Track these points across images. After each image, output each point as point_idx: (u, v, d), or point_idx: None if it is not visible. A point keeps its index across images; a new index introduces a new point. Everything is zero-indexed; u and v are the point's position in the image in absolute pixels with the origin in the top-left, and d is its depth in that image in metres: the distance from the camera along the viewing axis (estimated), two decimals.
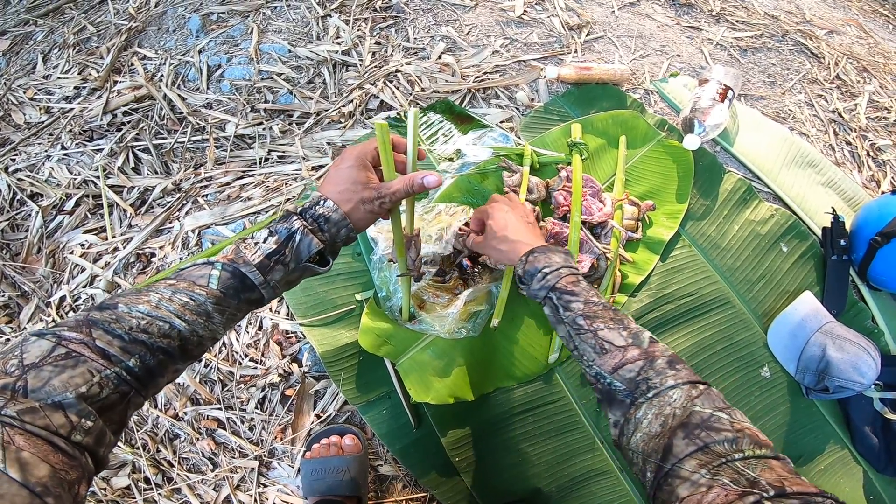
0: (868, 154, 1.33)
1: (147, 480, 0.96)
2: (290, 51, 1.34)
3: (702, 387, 0.52)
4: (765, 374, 1.01)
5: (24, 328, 1.10)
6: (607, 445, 0.95)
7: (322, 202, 0.59)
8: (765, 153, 1.22)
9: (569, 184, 1.03)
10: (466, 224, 0.96)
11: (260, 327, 1.04)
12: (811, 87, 1.43)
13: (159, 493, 0.95)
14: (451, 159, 1.12)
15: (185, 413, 0.99)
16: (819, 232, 1.12)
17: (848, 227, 1.10)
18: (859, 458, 0.98)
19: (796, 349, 0.99)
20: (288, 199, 1.13)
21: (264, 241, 0.56)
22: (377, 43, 1.35)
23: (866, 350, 0.94)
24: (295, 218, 0.57)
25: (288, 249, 0.56)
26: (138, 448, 0.97)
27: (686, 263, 1.07)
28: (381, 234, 0.99)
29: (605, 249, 0.99)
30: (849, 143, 1.33)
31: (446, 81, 1.26)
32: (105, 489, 0.95)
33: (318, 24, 1.38)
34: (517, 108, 1.24)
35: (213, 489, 0.95)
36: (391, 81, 1.27)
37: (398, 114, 1.20)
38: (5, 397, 0.39)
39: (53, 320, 1.08)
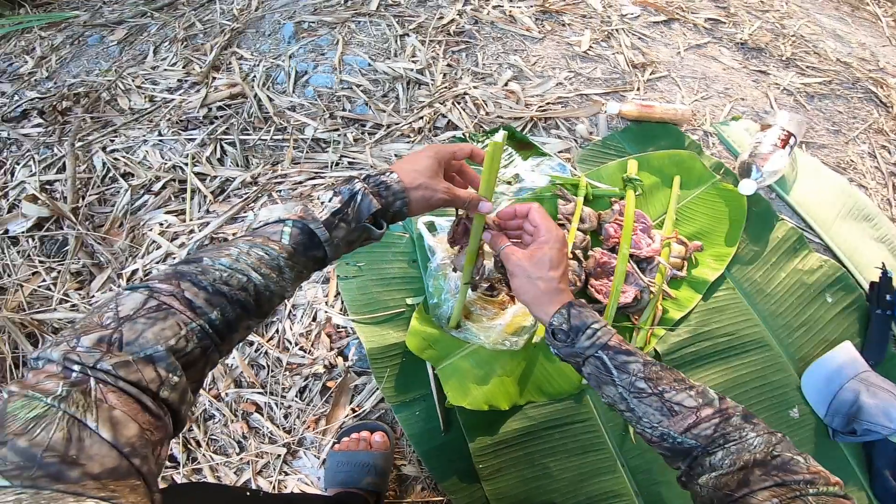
0: None
1: (172, 458, 0.98)
2: (369, 64, 1.44)
3: (779, 435, 0.54)
4: (793, 415, 1.02)
5: (94, 296, 1.15)
6: (628, 469, 0.98)
7: (388, 173, 0.63)
8: (820, 203, 1.23)
9: (620, 217, 1.08)
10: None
11: (314, 318, 1.09)
12: (876, 137, 1.41)
13: (180, 472, 0.97)
14: (509, 182, 1.19)
15: (227, 394, 1.03)
16: (866, 285, 1.12)
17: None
18: (875, 500, 0.98)
19: (829, 393, 1.00)
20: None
21: (329, 201, 0.59)
22: (448, 65, 1.43)
23: None
24: (357, 181, 0.61)
25: (350, 209, 0.59)
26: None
27: (728, 304, 1.10)
28: (439, 244, 1.07)
29: (649, 283, 1.03)
30: None
31: (510, 108, 1.33)
32: None
33: (396, 41, 1.48)
34: (576, 140, 1.29)
35: (235, 472, 0.98)
36: (459, 103, 1.35)
37: (463, 134, 1.28)
38: (101, 350, 0.39)
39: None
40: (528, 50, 1.45)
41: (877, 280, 1.09)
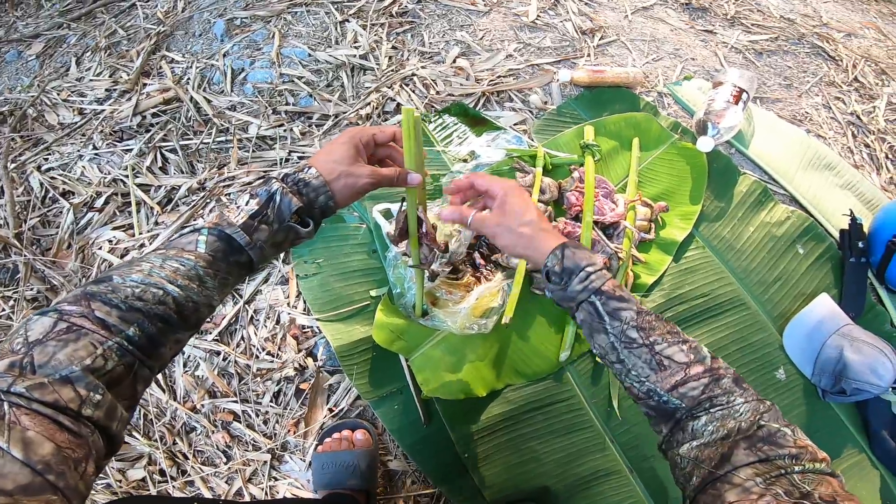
0: (887, 157, 1.31)
1: (162, 473, 0.97)
2: (309, 55, 1.38)
3: (768, 403, 0.52)
4: (780, 377, 1.01)
5: None
6: (618, 445, 0.95)
7: (306, 169, 0.61)
8: (781, 155, 1.22)
9: (581, 184, 1.05)
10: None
11: (278, 321, 1.06)
12: (828, 89, 1.42)
13: (173, 486, 0.97)
14: (465, 160, 1.14)
15: (203, 406, 1.01)
16: (836, 234, 1.11)
17: (866, 229, 1.09)
18: (877, 462, 0.97)
19: (813, 351, 0.98)
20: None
21: (246, 204, 0.58)
22: (393, 47, 1.38)
23: (884, 353, 0.93)
24: (274, 181, 0.60)
25: (270, 210, 0.58)
26: (155, 440, 1.00)
27: (700, 264, 1.08)
28: (395, 221, 1.01)
29: (617, 249, 1.00)
30: (867, 146, 1.32)
31: (461, 85, 1.29)
32: (121, 481, 0.97)
33: (336, 28, 1.42)
34: (530, 111, 1.26)
35: (226, 482, 0.97)
36: (407, 85, 1.30)
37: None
38: (13, 374, 0.40)
39: None
40: (475, 24, 1.41)
41: (846, 228, 1.09)
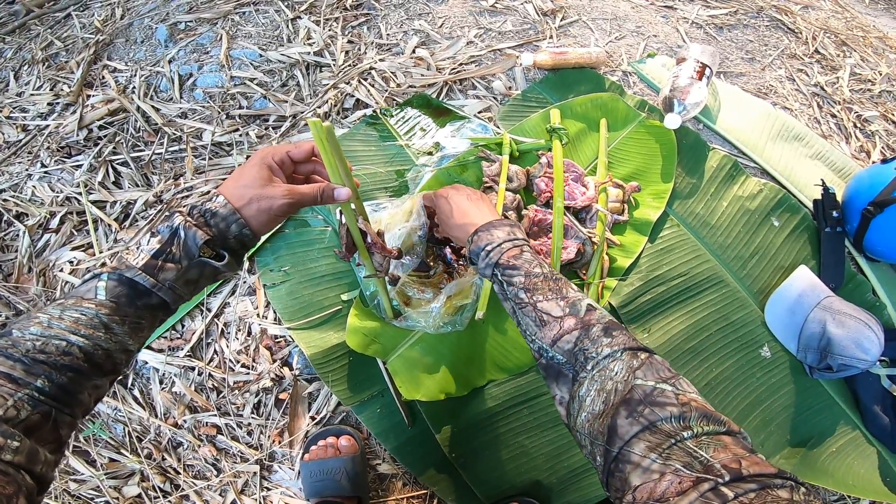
0: (855, 126, 1.32)
1: (157, 488, 0.97)
2: (261, 55, 1.32)
3: (643, 355, 0.49)
4: (765, 354, 0.99)
5: None
6: None
7: (213, 198, 0.58)
8: (749, 129, 1.21)
9: (550, 170, 1.02)
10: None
11: (249, 333, 1.03)
12: (791, 62, 1.42)
13: (169, 501, 0.96)
14: (430, 153, 1.11)
15: (185, 421, 0.99)
16: (810, 205, 1.10)
17: (839, 198, 1.08)
18: (872, 439, 0.96)
19: (795, 326, 0.97)
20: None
21: (147, 244, 0.55)
22: (349, 42, 1.33)
23: (868, 325, 0.91)
24: (176, 214, 0.56)
25: (175, 247, 0.54)
26: (144, 457, 0.98)
27: (676, 243, 1.06)
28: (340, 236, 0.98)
29: (590, 234, 0.97)
30: (834, 116, 1.32)
31: (422, 75, 1.25)
32: (118, 498, 0.96)
33: (287, 26, 1.36)
34: (495, 98, 1.22)
35: (220, 494, 0.96)
36: (366, 79, 1.26)
37: (374, 111, 1.19)
38: None
39: None
40: (434, 12, 1.37)
41: (819, 198, 1.08)
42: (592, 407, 0.49)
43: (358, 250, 0.73)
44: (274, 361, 1.01)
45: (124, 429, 1.00)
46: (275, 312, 1.02)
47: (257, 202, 0.57)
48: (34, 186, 1.23)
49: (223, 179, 1.17)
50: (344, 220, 0.70)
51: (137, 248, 0.55)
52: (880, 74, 1.45)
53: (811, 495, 0.36)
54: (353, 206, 0.68)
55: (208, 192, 0.61)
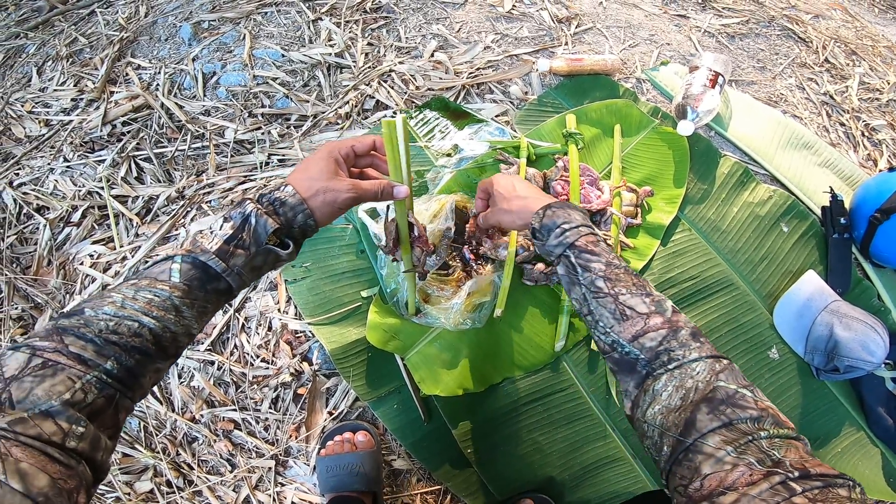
0: (863, 134, 1.34)
1: (169, 484, 0.97)
2: (283, 55, 1.35)
3: (725, 362, 0.51)
4: (773, 356, 1.02)
5: None
6: (619, 432, 0.96)
7: (282, 188, 0.60)
8: (759, 136, 1.24)
9: (566, 173, 1.04)
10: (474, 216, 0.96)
11: (269, 328, 1.05)
12: (801, 70, 1.44)
13: (182, 496, 0.96)
14: (448, 155, 1.13)
15: (202, 416, 1.00)
16: (819, 212, 1.13)
17: (847, 205, 1.10)
18: (876, 440, 0.98)
19: (803, 329, 0.99)
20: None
21: (220, 229, 0.56)
22: (369, 44, 1.36)
23: (874, 328, 0.94)
24: (248, 202, 0.58)
25: (245, 233, 0.56)
26: (158, 452, 0.99)
27: (687, 247, 1.08)
28: (385, 230, 1.00)
29: (605, 236, 1.00)
30: (842, 125, 1.35)
31: (440, 79, 1.27)
32: (129, 493, 0.97)
33: (309, 27, 1.39)
34: (511, 102, 1.25)
35: (233, 490, 0.97)
36: (385, 81, 1.28)
37: (394, 112, 1.21)
38: None
39: None
40: (451, 17, 1.40)
41: (827, 205, 1.10)
42: (669, 401, 0.50)
43: (401, 245, 0.76)
44: (294, 356, 1.02)
45: (139, 423, 1.01)
46: (296, 308, 1.04)
47: (323, 194, 0.60)
48: (56, 180, 1.26)
49: (245, 177, 1.20)
50: (391, 216, 0.72)
51: (211, 234, 0.56)
52: (888, 83, 1.47)
53: (865, 495, 0.38)
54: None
55: (275, 182, 0.62)
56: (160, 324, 0.51)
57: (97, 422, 0.45)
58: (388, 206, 0.72)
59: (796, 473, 0.39)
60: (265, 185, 1.18)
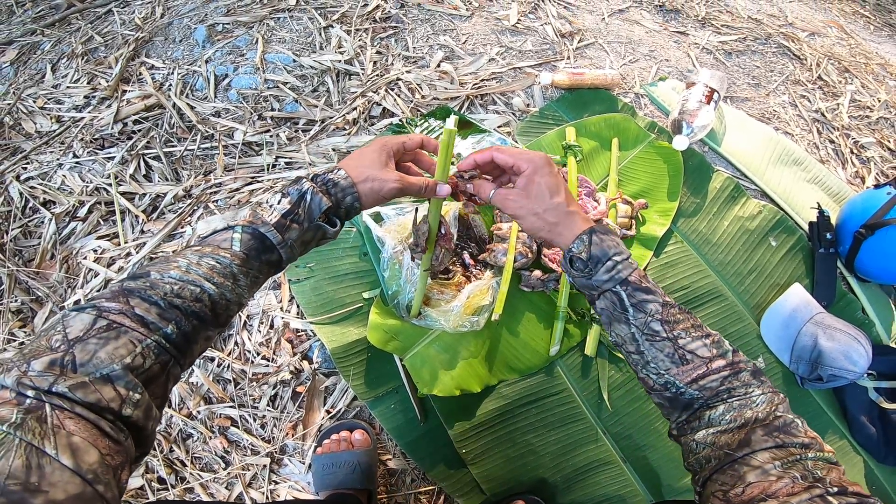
0: (851, 151, 1.38)
1: (161, 480, 0.97)
2: (294, 60, 1.38)
3: (781, 395, 0.54)
4: (760, 365, 1.05)
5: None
6: (610, 436, 0.98)
7: (335, 170, 0.63)
8: (751, 152, 1.28)
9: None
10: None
11: (271, 326, 1.06)
12: (794, 87, 1.49)
13: (172, 493, 0.96)
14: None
15: (199, 412, 1.01)
16: (806, 227, 1.17)
17: (833, 221, 1.15)
18: (859, 448, 1.01)
19: (789, 339, 1.03)
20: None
21: (278, 203, 0.59)
22: (378, 52, 1.40)
23: (857, 339, 0.98)
24: (305, 180, 0.61)
25: (301, 209, 0.59)
26: (152, 448, 0.99)
27: (679, 259, 1.12)
28: (388, 234, 1.04)
29: None
30: (832, 142, 1.39)
31: (445, 88, 1.31)
32: None
33: (320, 34, 1.43)
34: (514, 114, 1.29)
35: (226, 487, 0.97)
36: (392, 89, 1.32)
37: (400, 120, 1.25)
38: (54, 373, 0.39)
39: None
40: (458, 28, 1.44)
41: (815, 220, 1.14)
42: (725, 426, 0.51)
43: (430, 243, 0.79)
44: (294, 354, 1.04)
45: None
46: (298, 307, 1.06)
47: (371, 181, 0.64)
48: (64, 175, 1.27)
49: (252, 178, 1.23)
50: (421, 215, 0.76)
51: (270, 207, 0.59)
52: (879, 101, 1.52)
53: None
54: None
55: (330, 166, 0.63)
56: (219, 290, 0.52)
57: (150, 389, 0.44)
58: (416, 209, 0.75)
59: (835, 489, 0.43)
60: (271, 187, 1.21)
